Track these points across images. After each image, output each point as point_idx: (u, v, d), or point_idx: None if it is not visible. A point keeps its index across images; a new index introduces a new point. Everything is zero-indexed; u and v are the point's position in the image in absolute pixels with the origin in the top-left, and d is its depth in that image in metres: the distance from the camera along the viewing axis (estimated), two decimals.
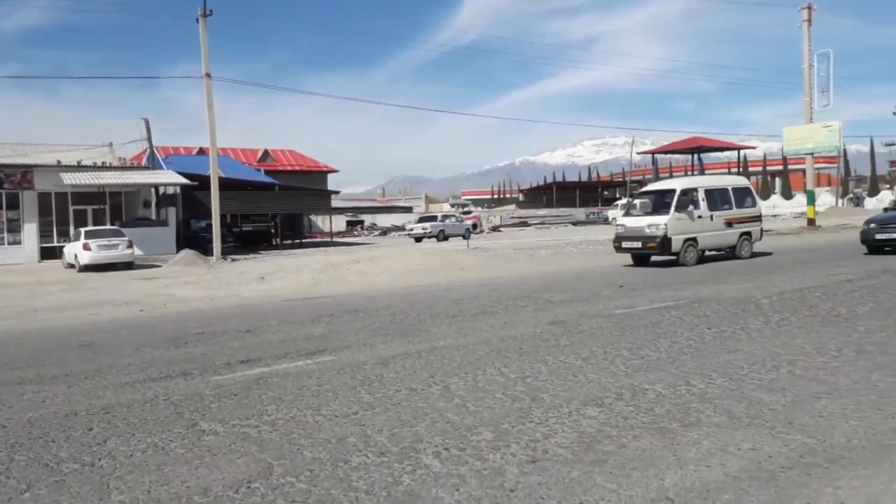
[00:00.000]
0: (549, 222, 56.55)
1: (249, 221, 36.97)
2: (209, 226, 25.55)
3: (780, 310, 8.54)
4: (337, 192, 46.47)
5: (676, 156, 76.74)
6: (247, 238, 35.32)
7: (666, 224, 15.45)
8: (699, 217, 15.99)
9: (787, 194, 73.89)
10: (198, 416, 5.00)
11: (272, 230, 37.44)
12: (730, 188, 17.28)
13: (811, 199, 32.73)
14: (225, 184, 28.26)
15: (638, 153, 68.07)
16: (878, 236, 15.83)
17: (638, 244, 15.89)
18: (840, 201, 66.43)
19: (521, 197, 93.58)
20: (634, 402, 4.87)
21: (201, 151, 42.32)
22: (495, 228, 50.40)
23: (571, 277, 14.04)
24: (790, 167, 72.23)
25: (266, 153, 53.66)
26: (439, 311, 9.67)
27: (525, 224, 55.31)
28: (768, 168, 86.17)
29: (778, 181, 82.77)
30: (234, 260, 24.43)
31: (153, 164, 31.91)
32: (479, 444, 4.13)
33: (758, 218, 17.68)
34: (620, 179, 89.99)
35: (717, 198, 17.01)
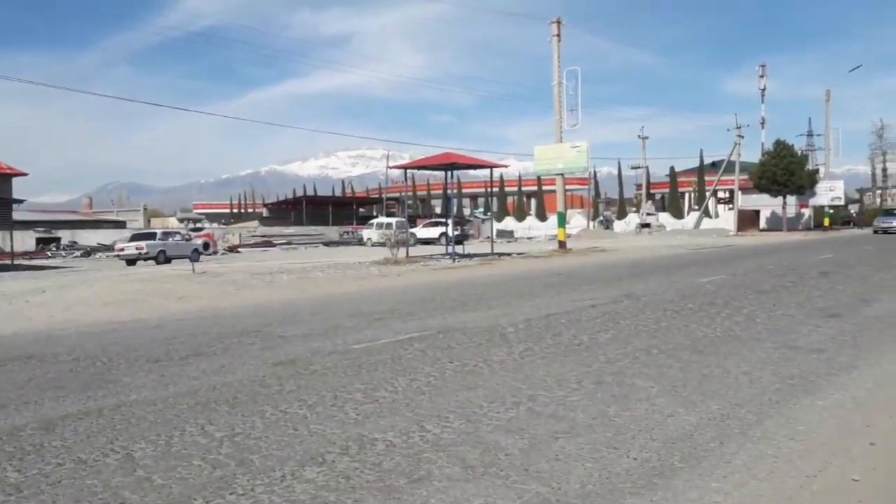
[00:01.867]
0: (297, 242, 55.92)
1: None
2: None
3: (525, 339, 9.06)
4: (21, 201, 41.23)
5: (435, 172, 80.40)
6: None
7: None
8: None
9: (542, 216, 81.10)
10: None
11: None
12: None
13: (562, 222, 35.44)
14: None
15: (391, 167, 70.35)
16: None
17: None
18: (592, 223, 74.76)
19: (265, 212, 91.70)
20: (361, 456, 4.71)
21: None
22: (233, 249, 48.58)
23: (313, 307, 13.79)
24: (545, 188, 78.62)
25: None
26: (140, 355, 8.78)
27: (269, 244, 54.11)
28: (524, 188, 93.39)
29: (534, 202, 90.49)
30: None
31: None
32: None
33: None
34: (377, 195, 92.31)
35: None
